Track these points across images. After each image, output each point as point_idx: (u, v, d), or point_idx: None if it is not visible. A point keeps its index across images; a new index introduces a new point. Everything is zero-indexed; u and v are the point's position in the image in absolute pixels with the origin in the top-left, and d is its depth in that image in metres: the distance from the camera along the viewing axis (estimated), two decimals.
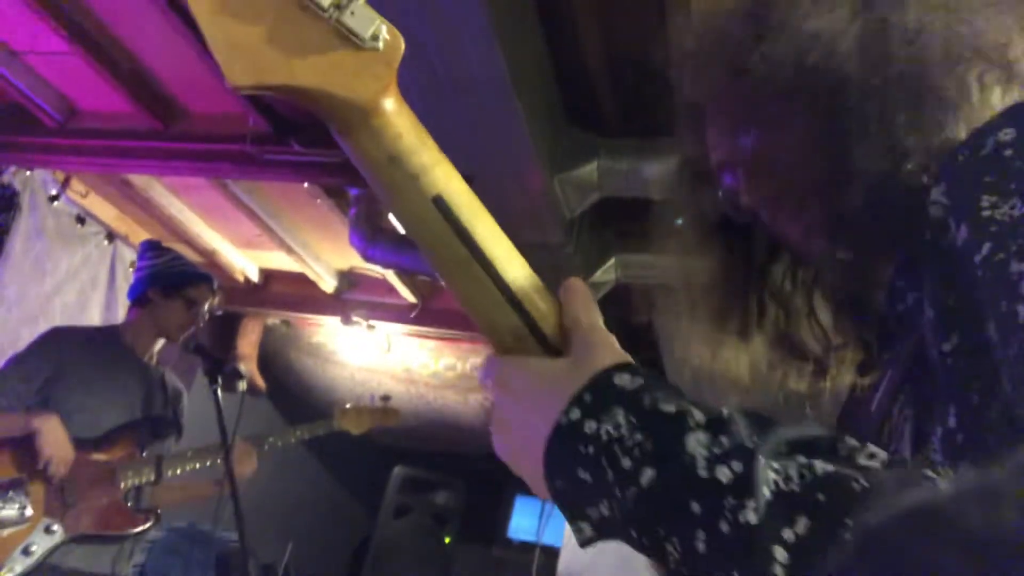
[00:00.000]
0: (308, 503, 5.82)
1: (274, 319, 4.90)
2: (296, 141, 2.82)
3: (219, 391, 2.25)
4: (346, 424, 3.12)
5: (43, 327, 2.69)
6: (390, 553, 5.47)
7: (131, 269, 4.08)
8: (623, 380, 0.51)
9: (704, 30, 0.76)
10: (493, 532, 6.00)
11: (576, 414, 0.50)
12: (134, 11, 2.54)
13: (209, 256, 4.27)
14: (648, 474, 0.45)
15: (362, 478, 6.20)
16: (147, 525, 2.48)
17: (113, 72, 2.81)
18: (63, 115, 3.19)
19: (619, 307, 3.23)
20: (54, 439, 2.26)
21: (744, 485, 0.41)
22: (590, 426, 0.49)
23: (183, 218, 3.95)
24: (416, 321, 4.32)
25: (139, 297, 2.69)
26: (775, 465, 0.42)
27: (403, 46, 0.51)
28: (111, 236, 4.08)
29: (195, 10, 0.48)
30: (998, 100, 0.59)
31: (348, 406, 3.18)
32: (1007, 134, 0.50)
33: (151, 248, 2.78)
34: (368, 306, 4.39)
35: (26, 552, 2.23)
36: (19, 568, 2.21)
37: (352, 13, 0.49)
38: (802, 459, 0.42)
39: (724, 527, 0.41)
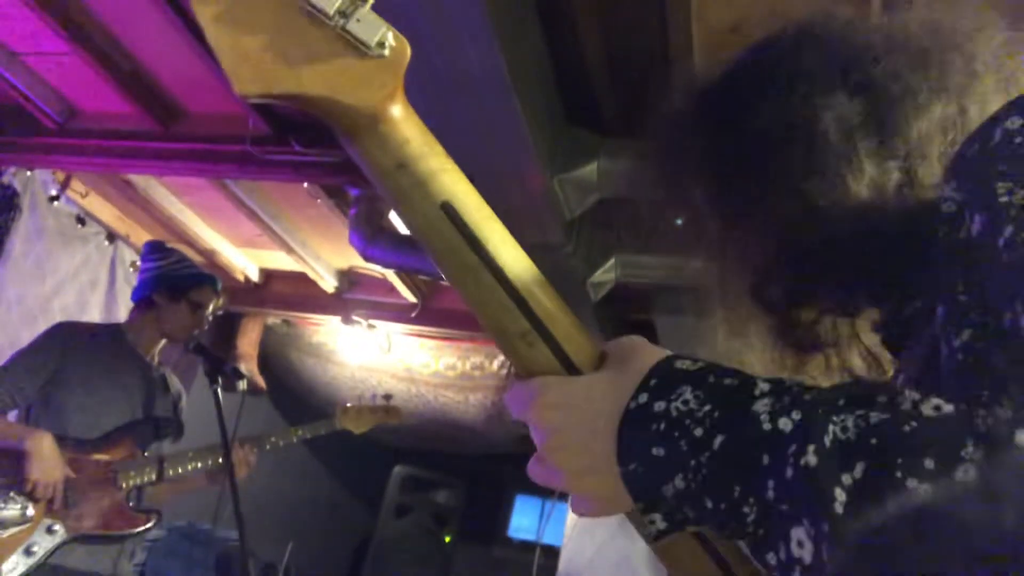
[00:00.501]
0: (308, 502, 5.82)
1: (274, 318, 4.90)
2: (296, 141, 2.82)
3: (219, 391, 2.25)
4: (347, 423, 3.12)
5: (43, 327, 2.69)
6: (390, 552, 5.47)
7: (131, 270, 4.08)
8: (684, 364, 0.53)
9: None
10: (493, 531, 6.00)
11: (644, 398, 0.52)
12: (134, 11, 2.53)
13: (209, 256, 4.28)
14: (720, 438, 0.47)
15: (362, 477, 6.20)
16: (148, 525, 2.48)
17: (113, 72, 2.81)
18: (63, 115, 3.19)
19: (619, 305, 3.23)
20: (44, 461, 2.24)
21: (804, 432, 0.44)
22: (659, 406, 0.51)
23: (183, 218, 3.95)
24: (416, 321, 4.32)
25: (143, 299, 2.68)
26: (833, 417, 0.44)
27: (409, 52, 0.51)
28: (111, 236, 4.08)
29: (201, 20, 0.48)
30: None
31: (349, 405, 3.18)
32: (1015, 122, 0.51)
33: (155, 250, 2.78)
34: (368, 306, 4.39)
35: (28, 552, 2.23)
36: (21, 568, 2.22)
37: (358, 20, 0.49)
38: (859, 411, 0.44)
39: (789, 472, 0.43)
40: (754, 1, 1.92)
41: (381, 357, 4.84)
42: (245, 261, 4.49)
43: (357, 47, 0.50)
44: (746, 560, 0.57)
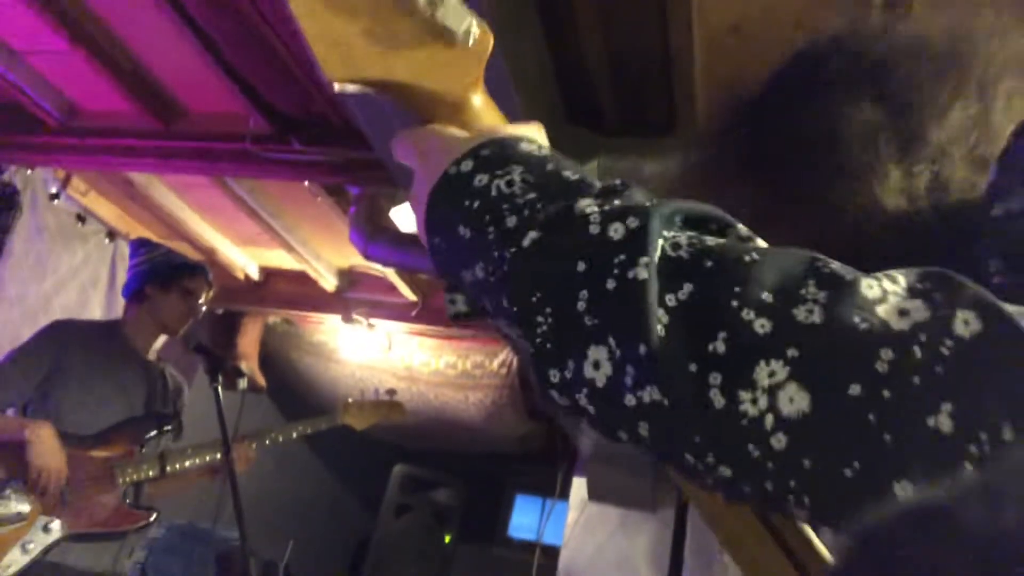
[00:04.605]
0: (308, 502, 5.82)
1: (275, 317, 4.90)
2: (296, 140, 2.81)
3: (220, 389, 2.26)
4: (349, 419, 3.11)
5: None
6: (390, 552, 5.47)
7: None
8: (531, 147, 0.48)
9: None
10: (493, 531, 6.00)
11: (468, 166, 0.47)
12: (134, 11, 2.53)
13: (209, 254, 4.27)
14: (532, 235, 0.41)
15: (362, 477, 6.20)
16: (145, 522, 2.48)
17: (113, 71, 2.81)
18: (63, 114, 3.18)
19: None
20: (45, 450, 2.25)
21: (637, 242, 0.38)
22: (480, 179, 0.46)
23: (184, 216, 3.95)
24: (417, 319, 4.32)
25: (135, 293, 2.69)
26: (665, 232, 0.39)
27: (492, 41, 0.52)
28: (112, 234, 4.09)
29: (294, 6, 0.48)
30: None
31: (351, 401, 3.17)
32: None
33: (142, 245, 2.81)
34: (369, 304, 4.39)
35: (24, 549, 2.24)
36: (17, 565, 2.22)
37: (445, 9, 0.50)
38: (692, 231, 0.40)
39: (610, 284, 0.38)
40: (754, 1, 1.92)
41: (382, 356, 4.84)
42: (245, 259, 4.49)
43: (444, 35, 0.50)
44: (814, 547, 0.55)
